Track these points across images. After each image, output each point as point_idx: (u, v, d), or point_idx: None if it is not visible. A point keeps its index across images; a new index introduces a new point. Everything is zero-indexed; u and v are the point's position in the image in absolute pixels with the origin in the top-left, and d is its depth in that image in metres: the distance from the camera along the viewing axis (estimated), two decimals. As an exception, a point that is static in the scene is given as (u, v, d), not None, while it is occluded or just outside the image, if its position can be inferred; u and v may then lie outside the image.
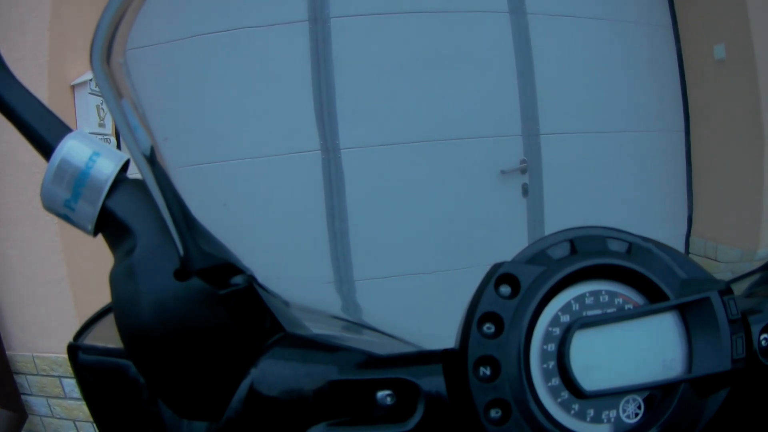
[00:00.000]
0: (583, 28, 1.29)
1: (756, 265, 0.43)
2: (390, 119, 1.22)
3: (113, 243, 0.36)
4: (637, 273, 0.33)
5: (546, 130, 1.27)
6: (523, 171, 1.24)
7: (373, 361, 0.35)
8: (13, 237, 1.97)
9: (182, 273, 0.34)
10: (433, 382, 0.33)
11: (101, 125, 1.91)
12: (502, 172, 1.21)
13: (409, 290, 1.18)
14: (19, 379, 2.10)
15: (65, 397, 2.06)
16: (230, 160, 1.18)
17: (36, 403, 2.11)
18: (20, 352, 2.08)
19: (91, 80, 1.82)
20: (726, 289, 0.33)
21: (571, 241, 0.34)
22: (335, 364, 0.34)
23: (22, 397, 2.11)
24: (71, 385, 2.03)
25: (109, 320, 0.47)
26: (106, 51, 0.34)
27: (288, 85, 1.20)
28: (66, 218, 0.36)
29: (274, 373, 0.35)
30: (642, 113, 1.33)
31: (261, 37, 1.18)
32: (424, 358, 0.35)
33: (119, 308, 0.34)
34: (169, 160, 0.36)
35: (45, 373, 2.05)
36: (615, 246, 0.34)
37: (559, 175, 1.32)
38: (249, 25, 1.19)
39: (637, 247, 0.34)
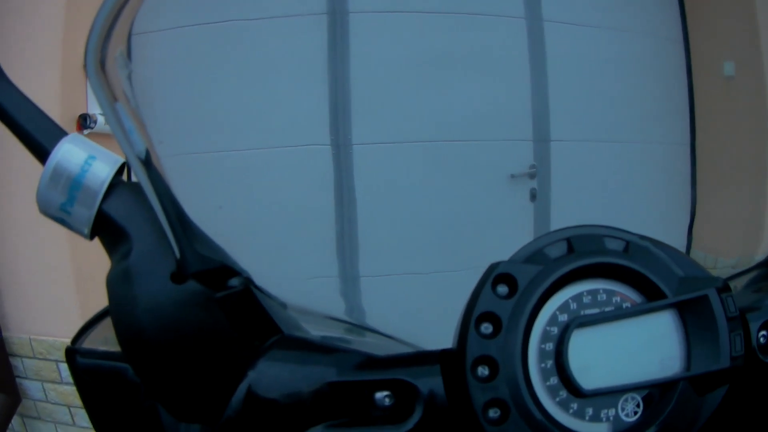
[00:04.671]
0: (596, 38, 1.29)
1: (754, 261, 0.43)
2: (403, 117, 1.22)
3: (110, 246, 0.36)
4: (635, 271, 0.33)
5: (556, 137, 1.27)
6: (532, 176, 1.25)
7: (371, 362, 0.35)
8: (16, 217, 1.92)
9: (178, 276, 0.34)
10: (432, 382, 0.33)
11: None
12: (512, 176, 1.22)
13: (411, 290, 1.18)
14: (14, 362, 2.04)
15: (61, 382, 2.01)
16: (241, 149, 1.17)
17: (30, 387, 2.06)
18: (16, 334, 2.02)
19: (105, 60, 1.79)
20: (724, 287, 0.33)
21: (568, 240, 0.34)
22: (333, 365, 0.34)
23: (17, 380, 2.05)
24: (68, 370, 2.00)
25: (107, 323, 0.47)
26: (100, 54, 0.34)
27: (303, 78, 1.20)
28: (62, 222, 0.36)
29: (271, 375, 0.34)
30: (649, 125, 1.34)
31: (276, 28, 1.17)
32: (422, 358, 0.35)
33: (116, 311, 0.34)
34: (165, 163, 0.36)
35: (41, 357, 2.00)
36: (612, 244, 0.34)
37: (566, 181, 1.32)
38: (267, 16, 1.18)
39: (634, 245, 0.34)
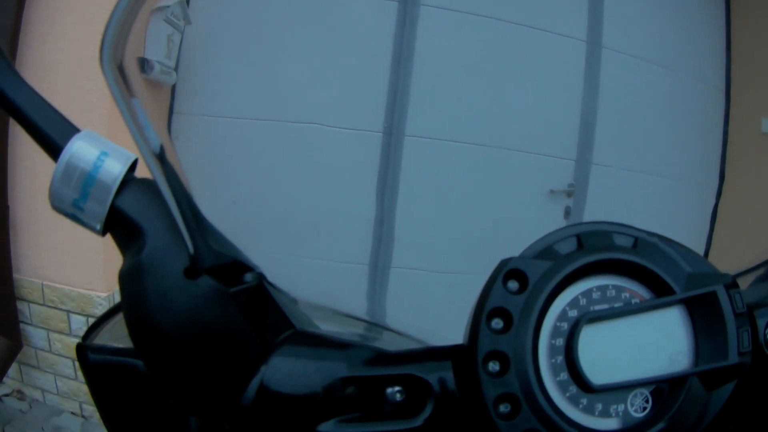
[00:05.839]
0: (648, 73, 1.32)
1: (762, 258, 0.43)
2: (457, 117, 1.23)
3: (122, 242, 0.36)
4: (643, 267, 0.33)
5: (597, 161, 1.30)
6: (569, 194, 1.28)
7: (382, 357, 0.35)
8: (43, 153, 1.84)
9: (192, 271, 0.34)
10: (443, 377, 0.33)
11: (168, 56, 1.82)
12: (551, 191, 1.25)
13: (433, 287, 1.19)
14: (20, 306, 1.91)
15: (69, 334, 1.88)
16: (289, 121, 1.15)
17: (34, 335, 1.93)
18: (28, 278, 1.89)
19: (169, 7, 1.73)
20: (732, 283, 0.34)
21: (578, 236, 0.34)
22: (345, 360, 0.35)
23: (20, 325, 1.92)
24: (79, 322, 1.84)
25: (119, 319, 0.47)
26: (115, 52, 0.34)
27: (365, 60, 1.19)
28: (74, 218, 0.37)
29: (284, 371, 0.35)
30: (683, 164, 1.36)
31: (345, 6, 1.16)
32: (433, 354, 0.35)
33: (129, 307, 0.35)
34: (180, 157, 0.36)
35: (52, 305, 1.87)
36: (621, 241, 0.34)
37: (599, 204, 1.35)
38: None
39: (643, 241, 0.34)
